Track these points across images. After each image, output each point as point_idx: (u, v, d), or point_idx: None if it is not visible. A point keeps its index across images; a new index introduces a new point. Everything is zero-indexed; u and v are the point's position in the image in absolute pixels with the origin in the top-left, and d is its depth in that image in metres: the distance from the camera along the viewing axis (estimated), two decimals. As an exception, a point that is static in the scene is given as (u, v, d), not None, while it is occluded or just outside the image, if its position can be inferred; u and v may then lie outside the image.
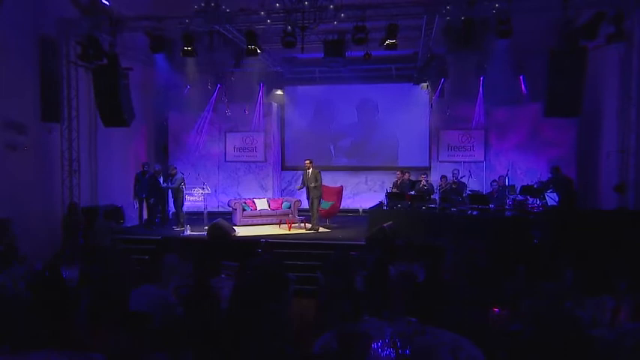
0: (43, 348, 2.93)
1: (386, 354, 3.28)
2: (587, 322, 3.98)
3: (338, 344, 3.12)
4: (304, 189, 10.50)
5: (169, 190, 10.92)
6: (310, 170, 10.25)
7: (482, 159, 12.42)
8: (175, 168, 11.18)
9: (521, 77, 11.29)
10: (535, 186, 10.08)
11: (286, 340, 3.36)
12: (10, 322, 3.41)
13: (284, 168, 14.07)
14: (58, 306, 3.76)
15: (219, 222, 9.06)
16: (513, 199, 9.53)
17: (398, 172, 11.54)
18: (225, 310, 3.82)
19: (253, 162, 13.22)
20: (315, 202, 10.23)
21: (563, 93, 7.80)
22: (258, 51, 8.97)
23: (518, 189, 10.24)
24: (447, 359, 3.34)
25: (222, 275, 5.42)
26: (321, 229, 10.35)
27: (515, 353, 3.29)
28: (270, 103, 13.35)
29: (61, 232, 9.12)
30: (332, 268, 5.22)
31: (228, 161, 13.27)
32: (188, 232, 9.69)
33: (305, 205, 11.74)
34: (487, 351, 3.32)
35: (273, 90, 13.55)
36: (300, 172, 13.71)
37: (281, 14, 8.11)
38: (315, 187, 10.15)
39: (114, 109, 9.08)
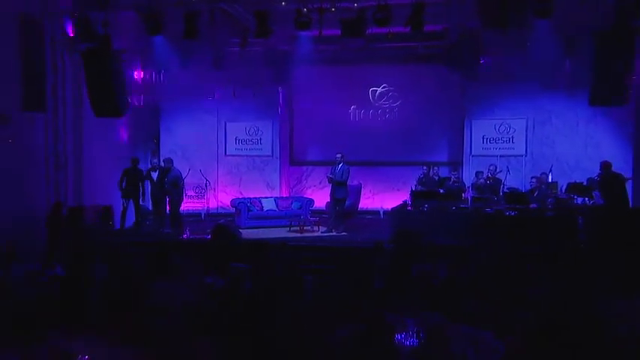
0: (83, 334, 3.79)
1: (409, 344, 4.15)
2: (614, 321, 4.79)
3: (363, 332, 3.97)
4: (329, 186, 11.26)
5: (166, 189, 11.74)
6: (340, 165, 11.02)
7: (524, 152, 12.90)
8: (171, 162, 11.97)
9: (568, 60, 11.86)
10: (584, 183, 10.75)
11: (310, 329, 4.22)
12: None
13: (292, 163, 14.75)
14: (85, 303, 4.68)
15: (224, 224, 9.97)
16: (555, 198, 10.23)
17: (424, 168, 12.12)
18: (246, 304, 4.69)
19: (258, 156, 13.99)
20: (340, 203, 11.01)
21: (609, 79, 8.55)
22: (269, 32, 9.73)
23: (564, 186, 10.90)
24: (467, 349, 4.19)
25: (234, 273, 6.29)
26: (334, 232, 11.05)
27: (530, 344, 4.11)
28: (278, 88, 14.00)
29: (46, 232, 10.03)
30: (349, 267, 6.09)
31: (228, 155, 14.06)
32: (188, 235, 10.57)
33: (318, 205, 12.51)
34: (508, 344, 4.15)
35: (281, 72, 14.24)
36: (312, 167, 14.47)
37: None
38: (339, 184, 10.93)
39: (106, 97, 9.96)
